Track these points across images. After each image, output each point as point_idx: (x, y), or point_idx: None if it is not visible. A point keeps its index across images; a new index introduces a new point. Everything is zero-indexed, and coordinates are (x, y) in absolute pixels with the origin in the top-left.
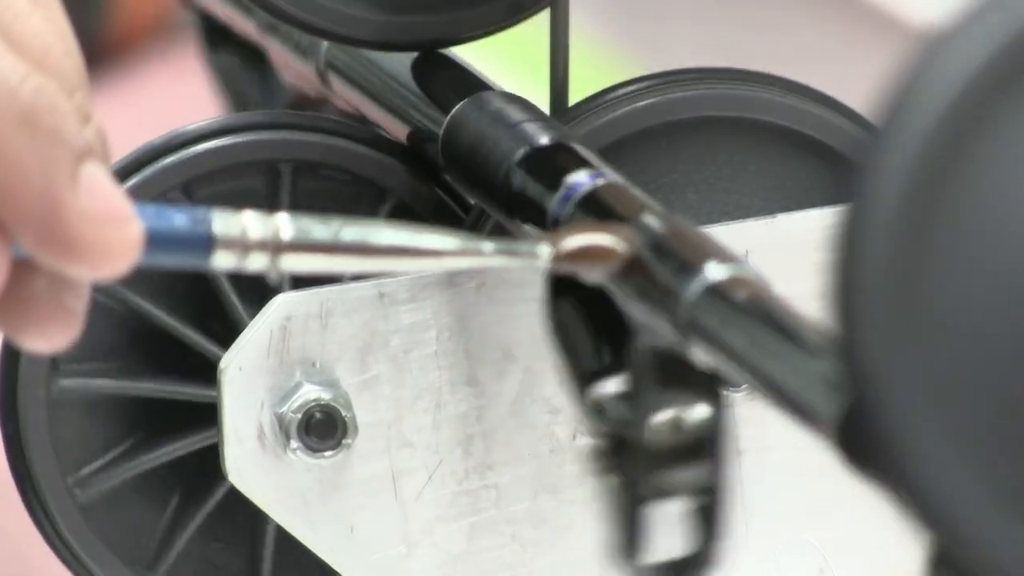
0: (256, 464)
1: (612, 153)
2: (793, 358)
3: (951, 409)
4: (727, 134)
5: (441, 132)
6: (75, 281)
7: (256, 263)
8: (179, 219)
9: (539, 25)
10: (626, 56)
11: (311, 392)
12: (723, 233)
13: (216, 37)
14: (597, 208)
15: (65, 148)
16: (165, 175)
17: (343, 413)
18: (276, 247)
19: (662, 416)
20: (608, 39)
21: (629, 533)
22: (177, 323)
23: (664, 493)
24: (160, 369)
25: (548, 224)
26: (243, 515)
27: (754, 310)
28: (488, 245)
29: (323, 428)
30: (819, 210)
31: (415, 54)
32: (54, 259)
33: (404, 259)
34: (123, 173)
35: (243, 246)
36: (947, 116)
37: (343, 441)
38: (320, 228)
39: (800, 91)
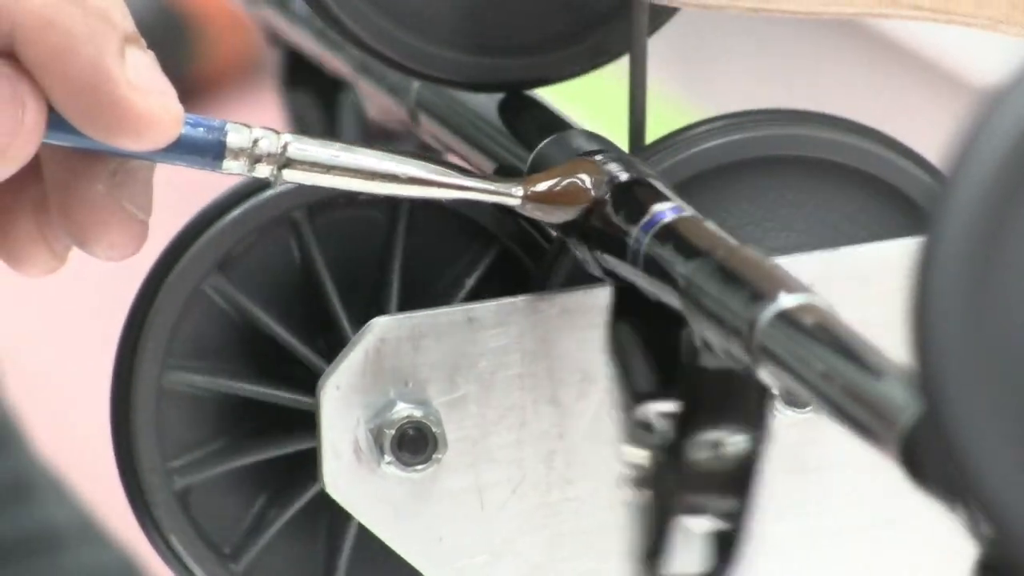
0: (352, 476)
1: (686, 188)
2: (859, 379)
3: (1016, 423)
4: (792, 172)
5: (526, 168)
6: (132, 184)
7: (261, 172)
8: (199, 126)
9: (608, 74)
10: (685, 99)
11: (404, 410)
12: (789, 264)
13: (295, 75)
14: (674, 239)
15: (113, 26)
16: (293, 196)
17: (433, 430)
18: (281, 161)
19: (705, 439)
20: (668, 83)
21: (654, 544)
22: (286, 333)
23: (693, 511)
24: (264, 374)
25: (629, 258)
26: (325, 518)
27: (822, 335)
28: (468, 180)
29: (415, 444)
30: (878, 244)
31: (501, 95)
32: (102, 129)
33: (388, 183)
34: (248, 192)
35: (251, 156)
36: (1007, 162)
37: (433, 456)
38: (319, 149)
39: (861, 131)
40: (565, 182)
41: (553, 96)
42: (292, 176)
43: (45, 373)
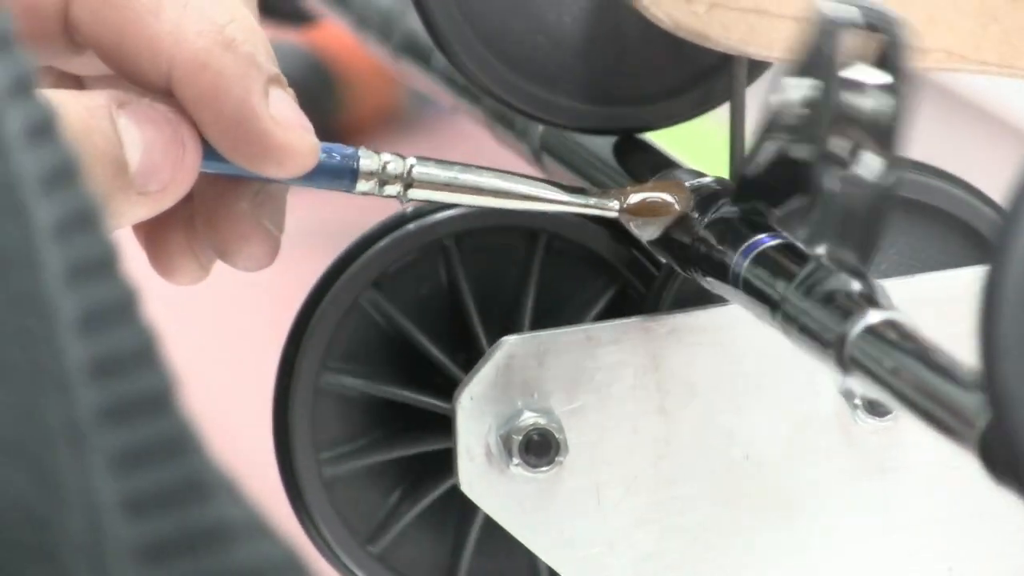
0: (484, 477)
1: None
2: (940, 386)
3: None
4: None
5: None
6: (271, 204)
7: (390, 192)
8: (336, 152)
9: (711, 118)
10: None
11: (530, 418)
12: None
13: None
14: (771, 263)
15: (259, 69)
16: (445, 224)
17: (556, 436)
18: (407, 182)
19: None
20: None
21: None
22: (430, 345)
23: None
24: (408, 379)
25: (730, 279)
26: (453, 512)
27: (906, 346)
28: (571, 196)
29: (540, 448)
30: (951, 271)
31: (616, 138)
32: (248, 158)
33: (499, 199)
34: (405, 219)
35: (381, 179)
36: None
37: (556, 459)
38: (440, 171)
39: (937, 174)
40: (653, 196)
41: (661, 138)
42: (416, 194)
43: (203, 378)
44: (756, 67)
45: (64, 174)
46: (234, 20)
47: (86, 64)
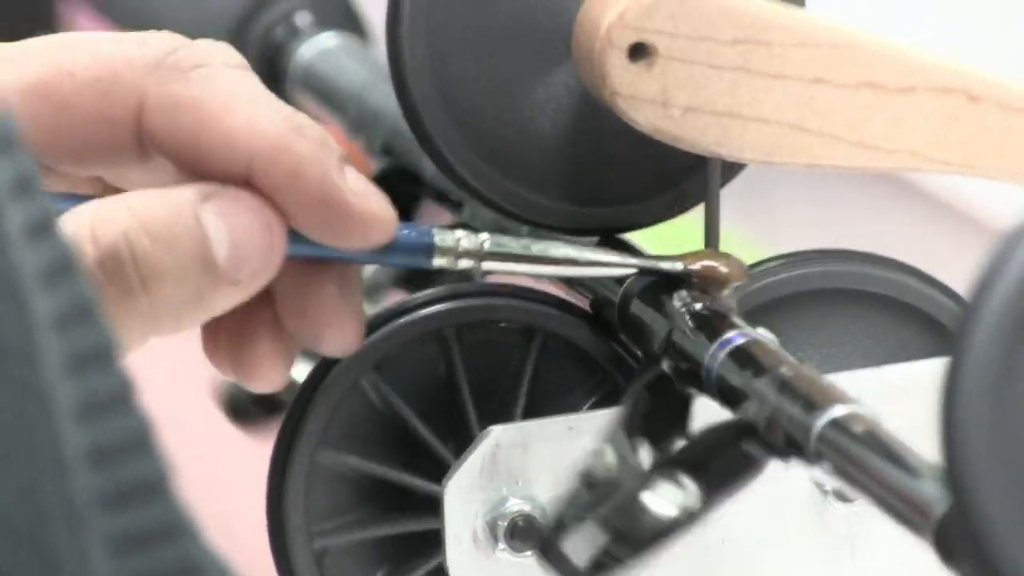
0: (471, 561)
1: (754, 315)
2: (899, 477)
3: None
4: (843, 302)
5: (617, 299)
6: (353, 285)
7: (464, 265)
8: (411, 231)
9: (687, 218)
10: (751, 239)
11: (515, 505)
12: (840, 380)
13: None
14: (743, 359)
15: (331, 149)
16: (445, 316)
17: (540, 522)
18: (481, 255)
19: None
20: (737, 225)
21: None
22: (424, 429)
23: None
24: (401, 460)
25: (704, 375)
26: None
27: (868, 439)
28: (635, 259)
29: (524, 533)
30: (914, 363)
31: (597, 238)
32: (334, 232)
33: (572, 267)
34: (407, 308)
35: (456, 253)
36: (1019, 291)
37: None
38: (513, 242)
39: (900, 267)
40: (714, 261)
41: (640, 237)
42: (491, 266)
43: (193, 458)
44: (730, 168)
45: (63, 268)
46: (296, 111)
47: (141, 176)
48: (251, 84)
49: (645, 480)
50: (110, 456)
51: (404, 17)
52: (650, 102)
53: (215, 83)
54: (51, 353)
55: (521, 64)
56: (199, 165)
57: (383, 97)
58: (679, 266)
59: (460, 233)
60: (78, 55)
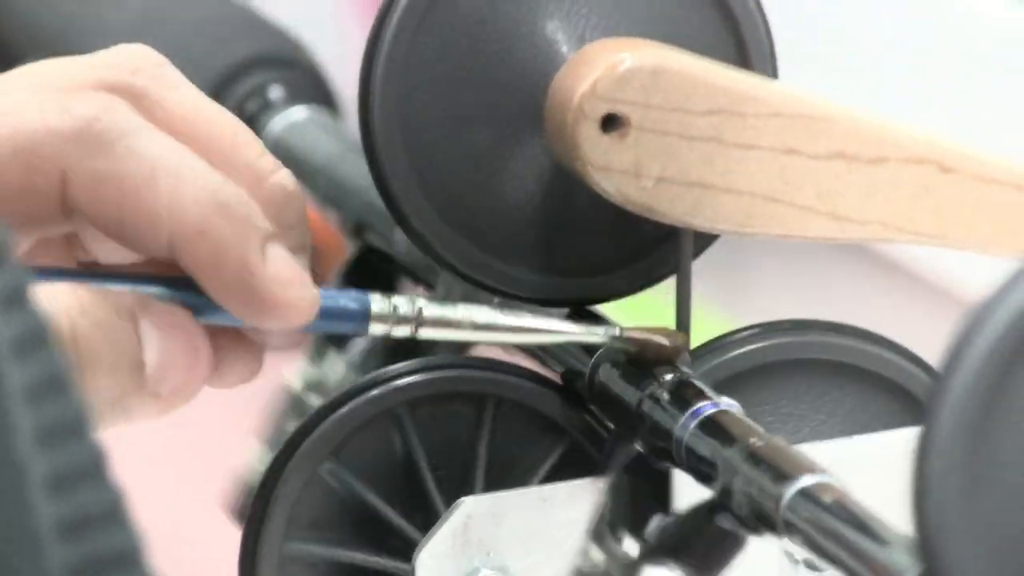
0: None
1: (724, 386)
2: (868, 546)
3: None
4: (813, 372)
5: (587, 371)
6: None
7: (401, 332)
8: (347, 298)
9: (658, 289)
10: (723, 310)
11: (487, 575)
12: (811, 450)
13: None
14: (713, 429)
15: (254, 230)
16: (395, 394)
17: None
18: (418, 321)
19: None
20: (709, 297)
21: None
22: (388, 510)
23: None
24: (370, 544)
25: (674, 447)
26: None
27: (837, 509)
28: (574, 327)
29: None
30: (885, 432)
31: (567, 309)
32: (251, 315)
33: (509, 334)
34: (358, 390)
35: (393, 320)
36: (990, 362)
37: None
38: (449, 310)
39: (871, 338)
40: (649, 331)
41: (611, 309)
42: (427, 333)
43: (170, 535)
44: (702, 238)
45: (35, 340)
46: (226, 183)
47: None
48: (178, 153)
49: (632, 571)
50: (82, 528)
51: (376, 90)
52: (622, 173)
53: (139, 156)
54: (24, 425)
55: (493, 135)
56: (123, 239)
57: (354, 170)
58: (613, 336)
59: (397, 300)
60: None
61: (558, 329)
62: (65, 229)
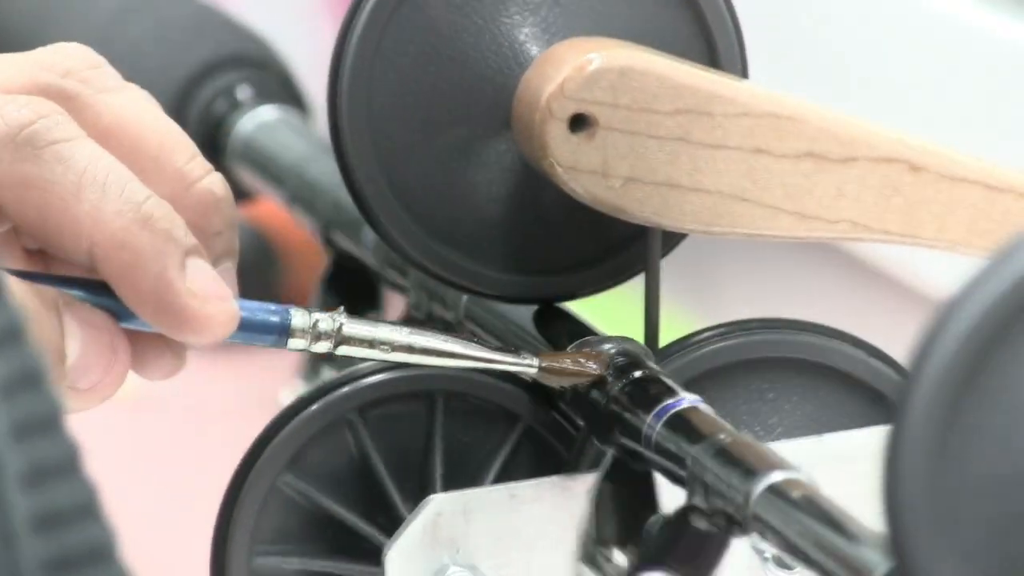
0: None
1: (693, 384)
2: (837, 542)
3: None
4: (782, 370)
5: None
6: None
7: (320, 348)
8: (267, 312)
9: (627, 288)
10: (691, 309)
11: (456, 572)
12: (780, 448)
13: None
14: (681, 426)
15: (175, 244)
16: (344, 400)
17: None
18: (337, 339)
19: None
20: (676, 296)
21: None
22: (349, 515)
23: None
24: (336, 550)
25: (643, 441)
26: None
27: (806, 505)
28: (496, 355)
29: None
30: (853, 431)
31: (536, 307)
32: (167, 328)
33: (427, 356)
34: (308, 400)
35: (313, 335)
36: (957, 360)
37: None
38: (369, 328)
39: (839, 336)
40: (570, 358)
41: (580, 307)
42: (346, 351)
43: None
44: (670, 238)
45: (8, 335)
46: (151, 196)
47: None
48: (106, 163)
49: None
50: (56, 522)
51: (344, 89)
52: (590, 173)
53: (68, 163)
54: None
55: (461, 134)
56: (45, 243)
57: (323, 170)
58: (534, 363)
59: (317, 315)
60: None
61: (479, 356)
62: (1, 229)
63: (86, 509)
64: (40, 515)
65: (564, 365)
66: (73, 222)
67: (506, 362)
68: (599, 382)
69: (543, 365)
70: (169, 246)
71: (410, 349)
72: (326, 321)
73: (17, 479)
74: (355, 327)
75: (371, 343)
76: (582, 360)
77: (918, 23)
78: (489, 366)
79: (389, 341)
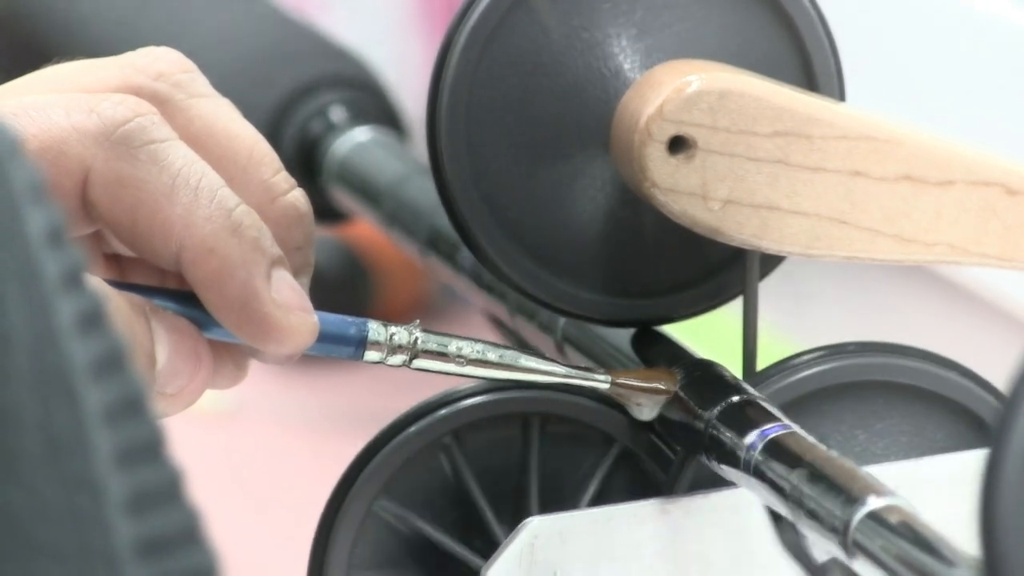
0: None
1: (791, 408)
2: (936, 568)
3: None
4: (879, 394)
5: None
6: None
7: (395, 361)
8: (345, 324)
9: (725, 311)
10: (789, 332)
11: None
12: (877, 472)
13: None
14: (779, 451)
15: (262, 253)
16: (441, 424)
17: None
18: (413, 352)
19: None
20: (775, 319)
21: None
22: (445, 538)
23: None
24: (432, 572)
25: (741, 465)
26: None
27: (905, 531)
28: (568, 371)
29: None
30: (951, 455)
31: (634, 329)
32: (250, 336)
33: (500, 371)
34: (403, 423)
35: (389, 348)
36: None
37: None
38: (446, 342)
39: (937, 360)
40: (644, 381)
41: (677, 329)
42: (421, 364)
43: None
44: (769, 260)
45: (113, 361)
46: (241, 204)
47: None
48: (200, 168)
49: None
50: (160, 548)
51: (443, 111)
52: (689, 195)
53: (162, 164)
54: (102, 447)
55: (559, 157)
56: (133, 244)
57: (420, 191)
58: (606, 379)
59: (394, 328)
60: (28, 124)
61: (551, 371)
62: (88, 230)
63: (190, 534)
64: (144, 541)
65: (634, 382)
66: (164, 224)
67: (578, 377)
68: (687, 407)
69: (615, 381)
70: (256, 255)
71: (483, 363)
72: (402, 334)
73: (121, 505)
74: (431, 340)
75: (445, 356)
76: (653, 378)
77: (1010, 47)
78: (561, 380)
79: (463, 355)
